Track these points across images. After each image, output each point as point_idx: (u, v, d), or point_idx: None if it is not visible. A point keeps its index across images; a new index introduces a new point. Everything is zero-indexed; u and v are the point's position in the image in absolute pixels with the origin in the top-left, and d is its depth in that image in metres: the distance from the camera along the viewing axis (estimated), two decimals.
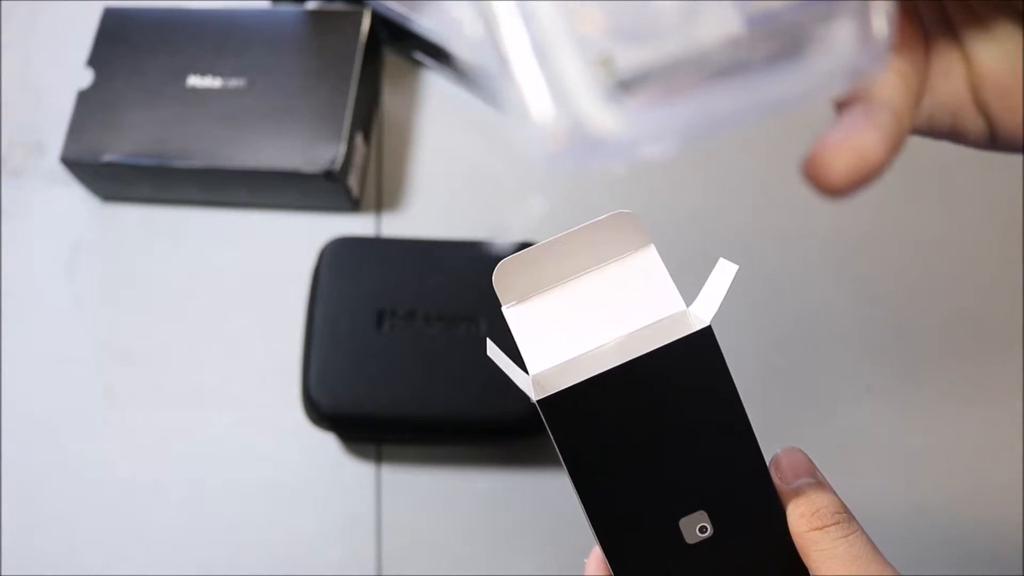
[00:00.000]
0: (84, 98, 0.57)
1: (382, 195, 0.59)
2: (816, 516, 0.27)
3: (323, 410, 0.49)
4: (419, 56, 0.61)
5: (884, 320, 0.54)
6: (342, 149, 0.55)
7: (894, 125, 0.22)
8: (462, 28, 0.18)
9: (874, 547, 0.27)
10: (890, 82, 0.22)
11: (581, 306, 0.27)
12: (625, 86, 0.18)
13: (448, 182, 0.59)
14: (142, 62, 0.58)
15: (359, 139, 0.57)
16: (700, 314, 0.25)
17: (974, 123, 0.24)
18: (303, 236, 0.56)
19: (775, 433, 0.31)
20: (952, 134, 0.25)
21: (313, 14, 0.59)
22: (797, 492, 0.27)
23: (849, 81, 0.20)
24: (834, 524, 0.27)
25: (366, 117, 0.58)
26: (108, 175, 0.57)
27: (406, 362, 0.49)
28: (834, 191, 0.21)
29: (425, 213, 0.59)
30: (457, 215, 0.58)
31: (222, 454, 0.53)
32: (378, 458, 0.53)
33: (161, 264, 0.58)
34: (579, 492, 0.25)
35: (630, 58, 0.18)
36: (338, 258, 0.52)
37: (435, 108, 0.61)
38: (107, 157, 0.55)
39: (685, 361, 0.24)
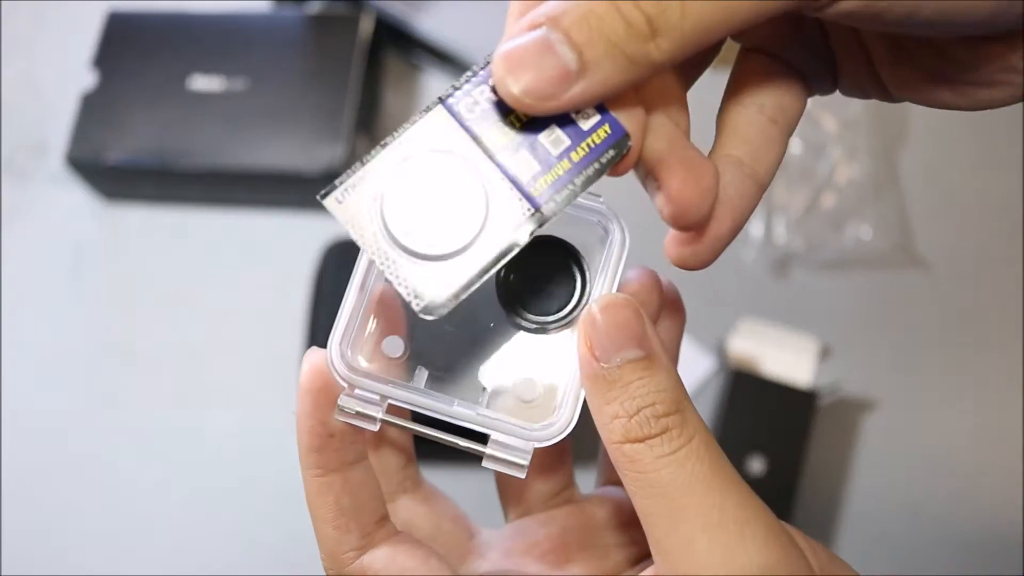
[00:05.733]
0: (89, 99, 0.57)
1: None
2: (636, 420, 0.19)
3: None
4: (419, 58, 0.62)
5: (885, 317, 0.54)
6: (343, 150, 0.55)
7: None
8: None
9: (720, 469, 0.19)
10: None
11: None
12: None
13: None
14: (146, 64, 0.58)
15: (360, 140, 0.57)
16: None
17: None
18: (304, 236, 0.57)
19: None
20: None
21: (314, 17, 0.60)
22: (611, 378, 0.20)
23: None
24: (660, 433, 0.19)
25: (367, 118, 0.59)
26: (112, 175, 0.57)
27: None
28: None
29: None
30: None
31: (223, 454, 0.53)
32: None
33: (163, 264, 0.58)
34: None
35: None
36: (340, 259, 0.52)
37: None
38: (111, 157, 0.56)
39: None
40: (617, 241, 0.23)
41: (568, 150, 0.20)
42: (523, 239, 0.20)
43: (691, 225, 0.20)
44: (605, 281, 0.23)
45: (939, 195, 0.57)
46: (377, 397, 0.22)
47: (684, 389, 0.20)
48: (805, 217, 0.55)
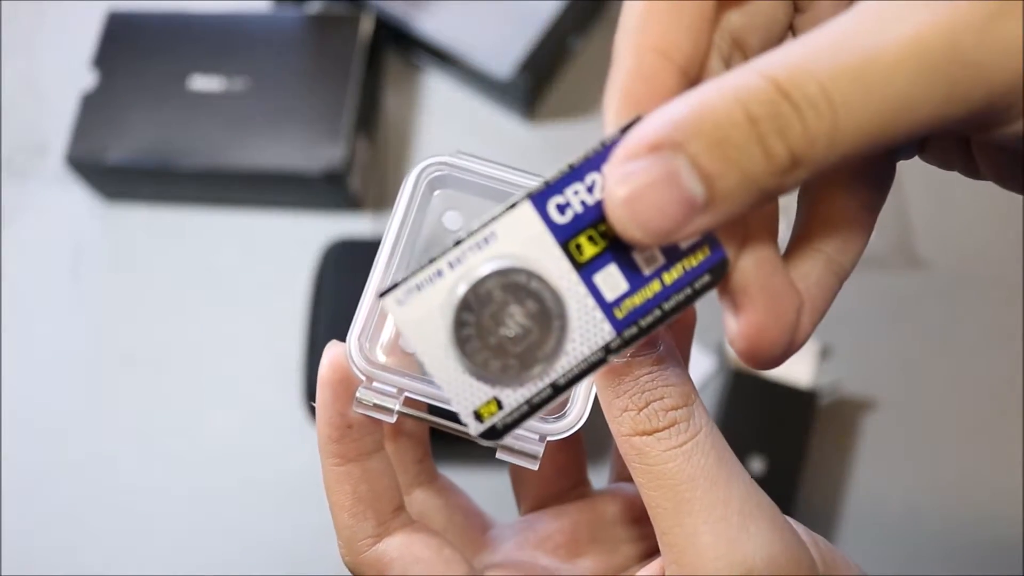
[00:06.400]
0: (89, 99, 0.57)
1: (383, 195, 0.59)
2: (645, 414, 0.20)
3: None
4: (419, 58, 0.62)
5: (885, 317, 0.54)
6: (343, 150, 0.55)
7: None
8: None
9: (725, 463, 0.20)
10: None
11: None
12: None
13: None
14: (146, 64, 0.58)
15: (360, 140, 0.57)
16: None
17: None
18: (304, 236, 0.57)
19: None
20: None
21: (314, 17, 0.60)
22: (622, 372, 0.20)
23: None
24: (668, 426, 0.20)
25: (367, 118, 0.59)
26: (112, 175, 0.57)
27: None
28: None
29: None
30: None
31: (223, 454, 0.53)
32: None
33: (163, 264, 0.58)
34: None
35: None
36: (340, 259, 0.52)
37: (435, 109, 0.61)
38: (111, 157, 0.56)
39: None
40: None
41: (661, 270, 0.18)
42: (601, 364, 0.18)
43: (760, 366, 0.19)
44: None
45: (939, 195, 0.57)
46: (394, 390, 0.23)
47: (693, 384, 0.20)
48: None
